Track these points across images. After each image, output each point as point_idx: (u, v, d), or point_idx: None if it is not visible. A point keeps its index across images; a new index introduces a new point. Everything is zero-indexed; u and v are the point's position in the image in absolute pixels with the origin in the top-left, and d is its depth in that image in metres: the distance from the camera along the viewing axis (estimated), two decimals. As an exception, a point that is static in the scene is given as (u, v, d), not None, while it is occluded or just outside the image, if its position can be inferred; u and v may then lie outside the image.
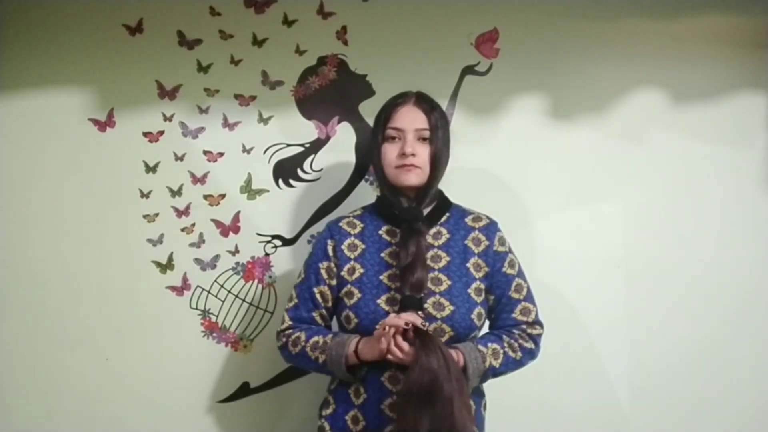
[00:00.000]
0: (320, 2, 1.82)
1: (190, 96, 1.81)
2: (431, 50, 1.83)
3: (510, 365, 1.43)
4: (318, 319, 1.46)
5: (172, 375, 1.79)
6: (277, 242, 1.82)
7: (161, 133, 1.81)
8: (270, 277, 1.81)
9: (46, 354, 1.79)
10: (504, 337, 1.43)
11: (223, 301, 1.81)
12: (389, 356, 1.30)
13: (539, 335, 1.47)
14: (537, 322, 1.48)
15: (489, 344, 1.40)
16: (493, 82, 1.84)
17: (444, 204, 1.50)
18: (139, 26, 1.80)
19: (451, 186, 1.78)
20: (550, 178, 1.85)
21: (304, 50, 1.82)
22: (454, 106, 1.84)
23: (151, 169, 1.81)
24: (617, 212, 1.86)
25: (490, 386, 1.74)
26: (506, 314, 1.45)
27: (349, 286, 1.42)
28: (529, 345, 1.45)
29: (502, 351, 1.40)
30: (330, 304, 1.45)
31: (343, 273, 1.43)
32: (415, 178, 1.41)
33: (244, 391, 1.81)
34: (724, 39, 1.87)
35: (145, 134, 1.81)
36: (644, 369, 1.85)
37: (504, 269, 1.46)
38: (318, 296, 1.44)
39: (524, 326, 1.45)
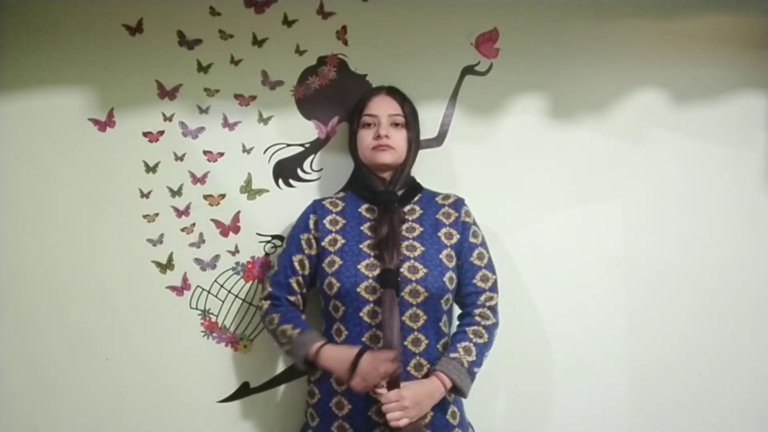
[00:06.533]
0: (320, 2, 1.82)
1: (190, 96, 1.81)
2: (431, 50, 1.83)
3: (483, 350, 1.54)
4: (294, 285, 1.60)
5: (172, 375, 1.79)
6: (277, 242, 1.82)
7: (161, 133, 1.81)
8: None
9: (46, 354, 1.79)
10: (467, 330, 1.54)
11: (223, 301, 1.81)
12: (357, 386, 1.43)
13: (496, 304, 1.59)
14: (493, 289, 1.60)
15: (458, 346, 1.51)
16: (493, 82, 1.84)
17: (416, 187, 1.66)
18: (139, 26, 1.80)
19: (451, 186, 1.78)
20: (550, 178, 1.85)
21: (304, 50, 1.82)
22: (454, 106, 1.84)
23: (151, 169, 1.81)
24: (617, 212, 1.86)
25: (488, 385, 1.74)
26: (467, 280, 1.58)
27: (331, 255, 1.55)
28: (490, 321, 1.56)
29: (471, 344, 1.51)
30: (307, 272, 1.60)
31: (324, 244, 1.57)
32: (389, 156, 1.59)
33: (244, 391, 1.81)
34: (724, 39, 1.87)
35: (145, 134, 1.81)
36: (644, 369, 1.85)
37: (469, 239, 1.60)
38: (296, 264, 1.59)
39: (482, 298, 1.57)
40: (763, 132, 1.89)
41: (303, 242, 1.60)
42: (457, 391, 1.48)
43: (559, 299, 1.84)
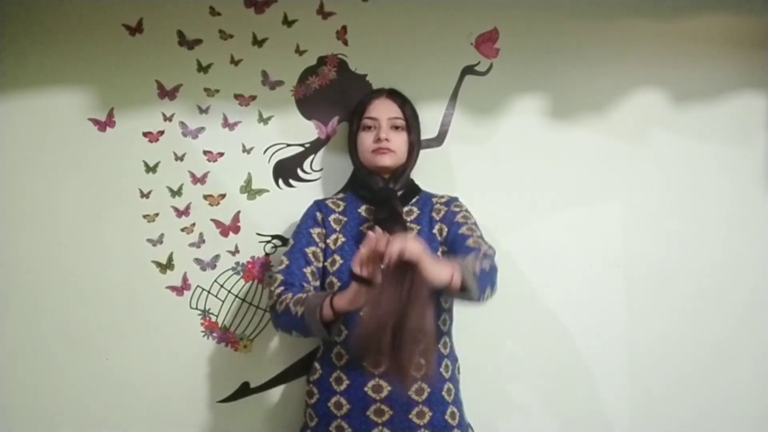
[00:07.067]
0: (320, 2, 1.82)
1: (190, 96, 1.81)
2: (431, 50, 1.83)
3: (485, 277, 1.36)
4: (309, 275, 1.53)
5: (172, 375, 1.79)
6: (277, 242, 1.82)
7: (161, 133, 1.81)
8: (270, 277, 1.81)
9: (46, 354, 1.79)
10: (467, 255, 1.42)
11: (223, 301, 1.81)
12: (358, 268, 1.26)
13: (494, 255, 1.47)
14: (490, 247, 1.49)
15: (459, 259, 1.38)
16: (493, 82, 1.84)
17: (415, 189, 1.67)
18: (139, 26, 1.80)
19: (450, 186, 1.78)
20: (550, 178, 1.85)
21: (304, 50, 1.82)
22: (454, 106, 1.84)
23: (151, 169, 1.81)
24: (617, 212, 1.86)
25: (488, 385, 1.74)
26: (458, 246, 1.49)
27: (333, 255, 1.55)
28: (489, 261, 1.42)
29: (476, 258, 1.38)
30: (321, 264, 1.56)
31: (329, 241, 1.57)
32: (389, 159, 1.59)
33: (244, 391, 1.81)
34: (724, 39, 1.87)
35: (145, 134, 1.81)
36: (644, 369, 1.85)
37: (456, 219, 1.57)
38: (310, 255, 1.55)
39: (479, 250, 1.45)
40: (763, 132, 1.89)
41: (315, 236, 1.57)
42: (464, 290, 1.29)
43: (559, 299, 1.84)
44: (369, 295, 1.27)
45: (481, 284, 1.34)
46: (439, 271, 1.25)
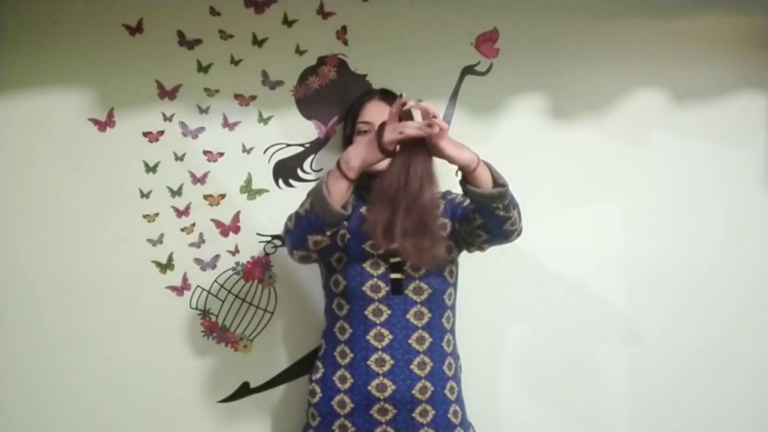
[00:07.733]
0: (320, 2, 1.82)
1: (190, 96, 1.81)
2: (431, 50, 1.83)
3: (510, 194, 1.43)
4: None
5: (172, 375, 1.79)
6: (277, 242, 1.82)
7: (161, 133, 1.81)
8: (270, 277, 1.81)
9: (46, 354, 1.79)
10: None
11: (223, 301, 1.81)
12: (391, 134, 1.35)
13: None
14: None
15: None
16: (493, 82, 1.84)
17: None
18: (139, 26, 1.80)
19: (450, 186, 1.77)
20: (550, 178, 1.85)
21: (304, 50, 1.82)
22: (454, 106, 1.84)
23: (151, 169, 1.81)
24: (617, 212, 1.86)
25: (488, 385, 1.74)
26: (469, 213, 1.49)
27: (339, 252, 1.52)
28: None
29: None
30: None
31: (336, 237, 1.53)
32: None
33: (244, 391, 1.81)
34: (724, 39, 1.87)
35: (145, 134, 1.81)
36: (644, 369, 1.85)
37: (457, 201, 1.57)
38: None
39: None
40: (763, 132, 1.89)
41: None
42: (497, 183, 1.38)
43: (559, 299, 1.84)
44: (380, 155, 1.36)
45: (513, 198, 1.42)
46: (460, 150, 1.35)
